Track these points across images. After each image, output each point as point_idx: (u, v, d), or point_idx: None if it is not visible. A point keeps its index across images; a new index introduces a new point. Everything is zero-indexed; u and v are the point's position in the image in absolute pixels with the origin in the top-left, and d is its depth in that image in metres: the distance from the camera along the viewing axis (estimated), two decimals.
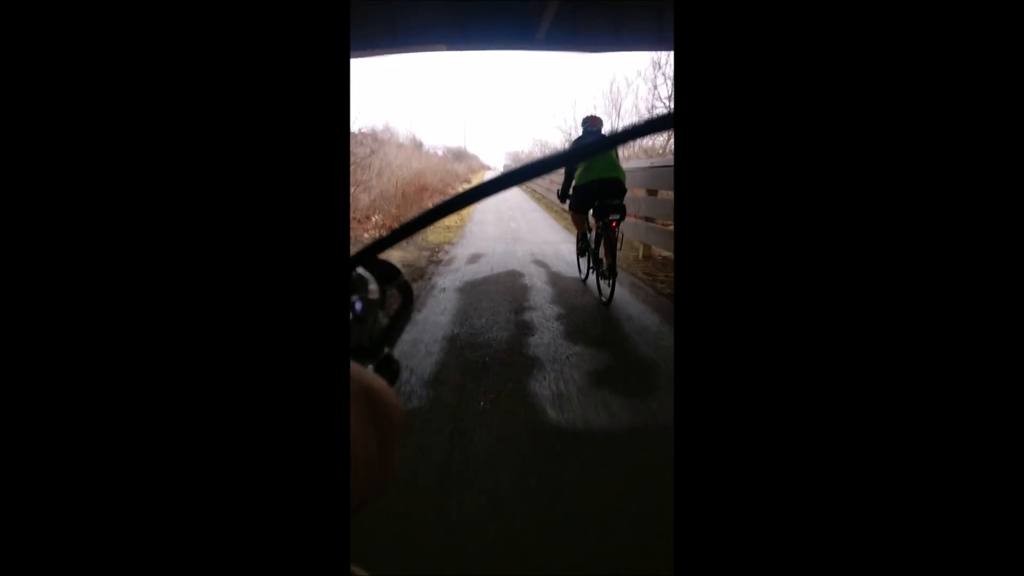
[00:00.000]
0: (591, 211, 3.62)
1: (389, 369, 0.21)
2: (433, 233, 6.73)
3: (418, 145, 21.28)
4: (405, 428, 0.19)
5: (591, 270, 3.91)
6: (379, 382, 0.19)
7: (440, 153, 28.33)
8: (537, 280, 4.27)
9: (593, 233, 3.73)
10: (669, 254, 4.71)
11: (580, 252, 4.15)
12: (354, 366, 0.19)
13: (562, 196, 3.89)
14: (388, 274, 0.25)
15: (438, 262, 5.08)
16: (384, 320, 0.24)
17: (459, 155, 37.61)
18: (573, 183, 3.65)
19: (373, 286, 0.23)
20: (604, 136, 0.18)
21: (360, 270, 0.23)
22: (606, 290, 3.52)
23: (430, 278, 4.35)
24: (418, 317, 3.10)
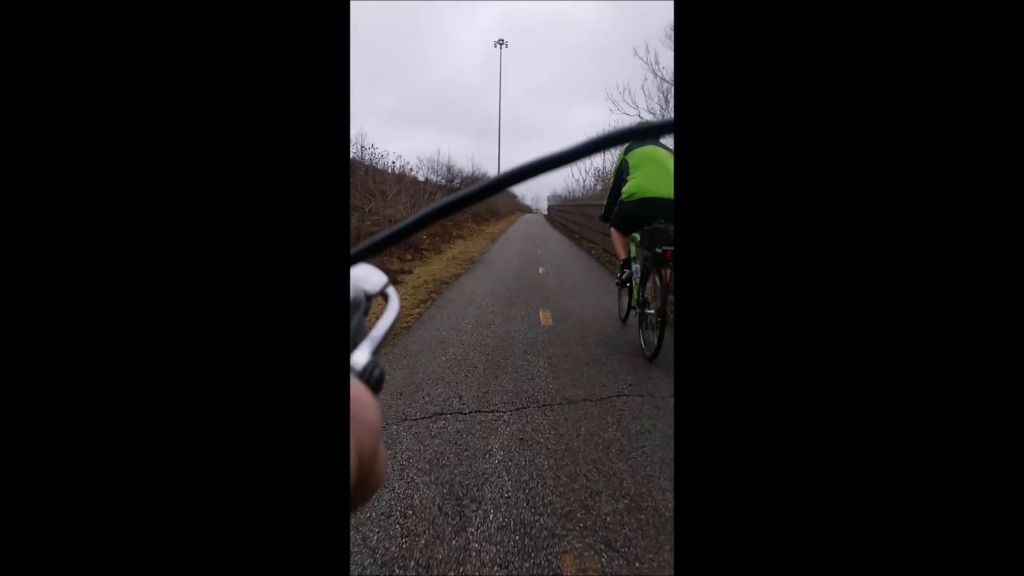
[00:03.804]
0: (638, 235, 2.90)
1: (372, 377, 0.20)
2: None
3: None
4: (379, 436, 0.17)
5: (633, 309, 3.16)
6: (355, 387, 0.18)
7: (429, 179, 18.02)
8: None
9: (639, 264, 2.97)
10: None
11: (621, 283, 3.25)
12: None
13: (605, 215, 3.25)
14: (374, 280, 0.25)
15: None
16: (368, 326, 0.23)
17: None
18: (620, 198, 2.97)
19: (349, 292, 0.23)
20: (603, 135, 0.18)
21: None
22: (652, 340, 2.64)
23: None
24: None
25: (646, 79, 12.64)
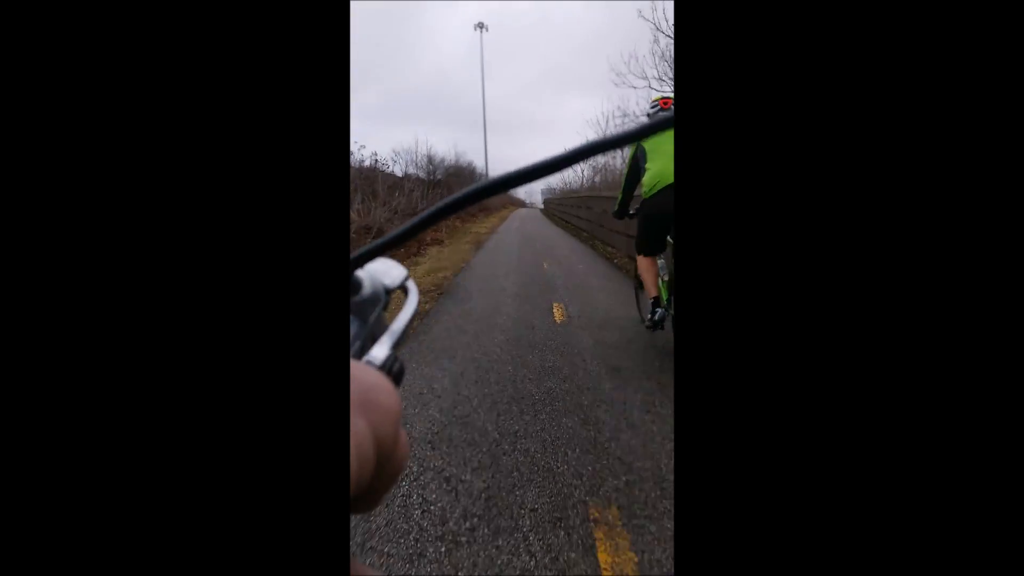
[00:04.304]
0: (667, 246, 2.43)
1: (392, 371, 0.20)
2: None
3: None
4: (399, 422, 0.17)
5: (665, 312, 2.57)
6: (372, 375, 0.17)
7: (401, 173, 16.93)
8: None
9: (666, 260, 2.52)
10: None
11: (652, 325, 2.63)
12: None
13: (619, 211, 2.82)
14: (394, 274, 0.25)
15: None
16: (387, 321, 0.23)
17: (456, 176, 23.98)
18: (641, 191, 2.44)
19: (368, 287, 0.23)
20: (601, 139, 0.17)
21: (357, 272, 0.22)
22: None
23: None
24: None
25: (655, 39, 10.12)
